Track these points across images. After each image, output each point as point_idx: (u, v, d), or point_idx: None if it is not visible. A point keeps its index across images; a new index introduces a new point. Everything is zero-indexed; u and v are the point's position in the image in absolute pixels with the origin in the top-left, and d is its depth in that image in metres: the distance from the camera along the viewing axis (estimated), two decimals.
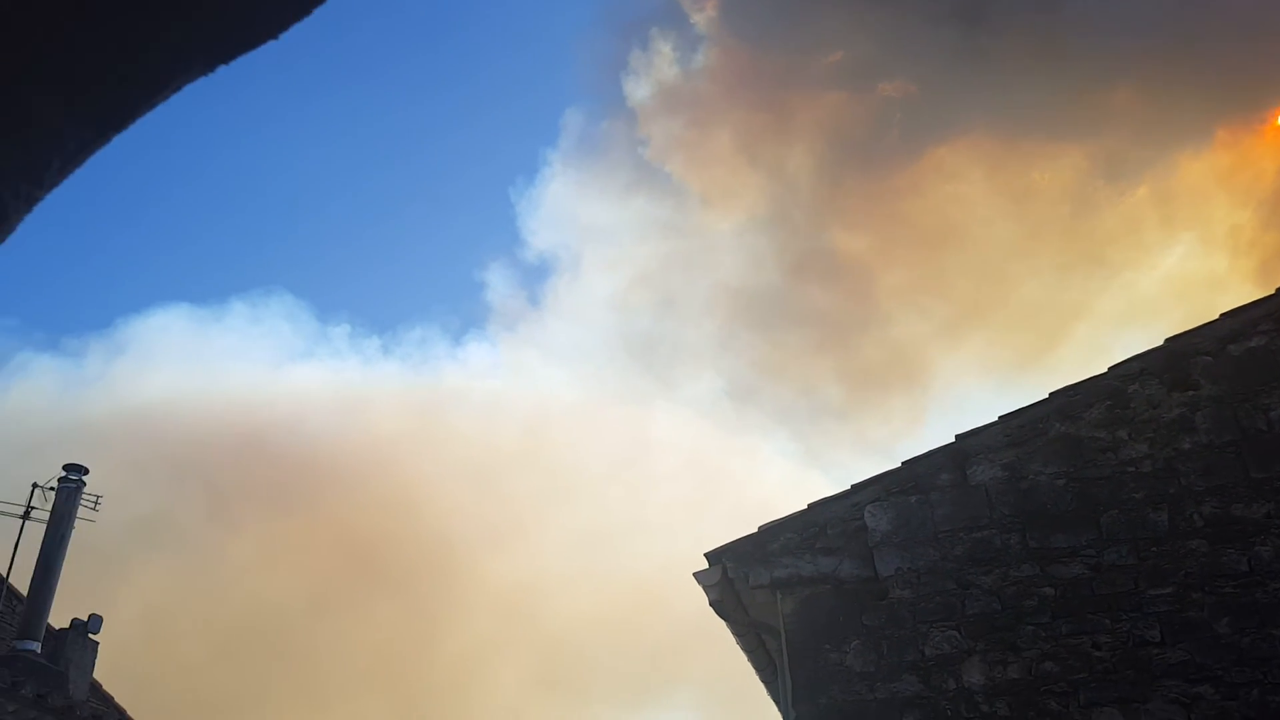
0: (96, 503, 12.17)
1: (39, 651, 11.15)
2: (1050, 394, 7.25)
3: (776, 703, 8.20)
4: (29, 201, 0.77)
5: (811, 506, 7.40)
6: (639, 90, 28.97)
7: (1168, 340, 7.18)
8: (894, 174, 26.21)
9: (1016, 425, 7.21)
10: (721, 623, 7.67)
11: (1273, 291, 7.13)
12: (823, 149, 26.33)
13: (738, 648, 8.32)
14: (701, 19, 27.31)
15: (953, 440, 7.37)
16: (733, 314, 29.28)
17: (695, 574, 7.34)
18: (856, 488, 7.40)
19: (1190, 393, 6.87)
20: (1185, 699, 6.02)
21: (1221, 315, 7.12)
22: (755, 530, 7.40)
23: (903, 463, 7.43)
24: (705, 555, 7.35)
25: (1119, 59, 20.98)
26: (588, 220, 33.95)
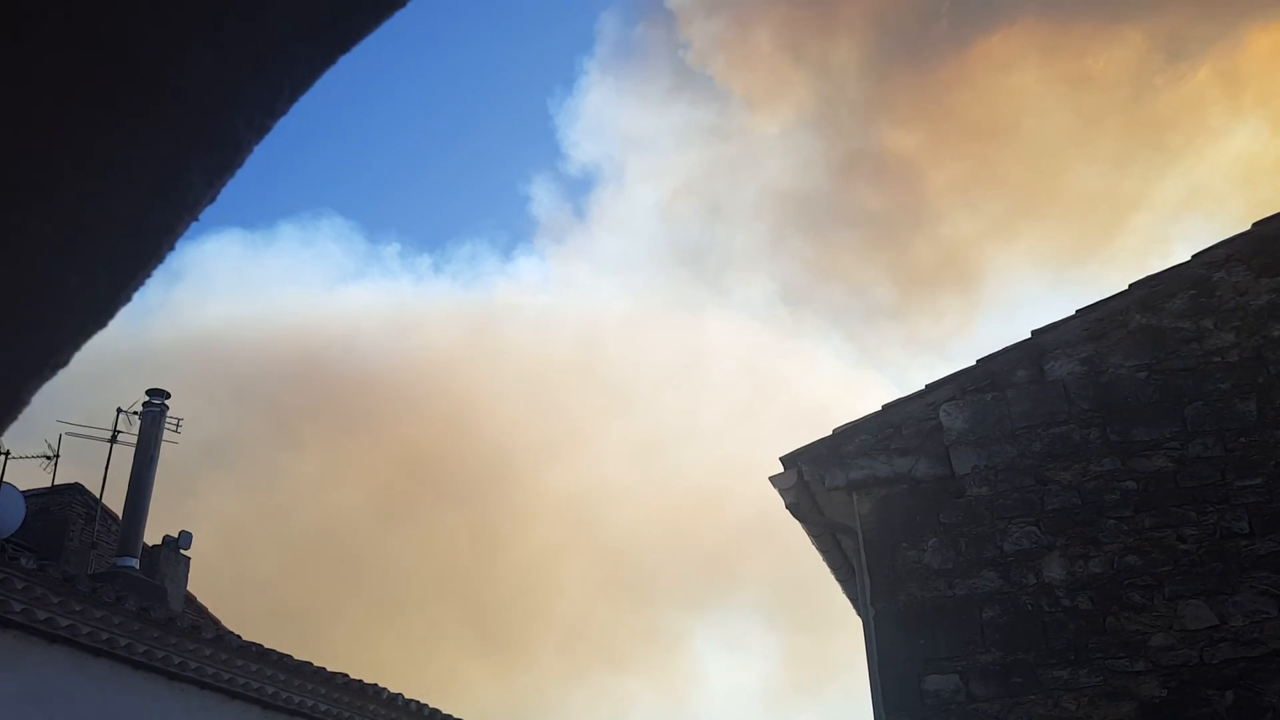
0: (179, 425, 12.54)
1: (137, 568, 11.68)
2: (1130, 285, 7.07)
3: (853, 601, 8.30)
4: (260, 131, 0.73)
5: (886, 407, 7.35)
6: None
7: (1256, 224, 6.93)
8: (943, 66, 25.37)
9: (1095, 318, 7.05)
10: (779, 524, 7.74)
11: None
12: (868, 43, 25.53)
13: (794, 549, 8.39)
14: None
15: (1028, 336, 7.24)
16: (781, 218, 28.87)
17: (771, 477, 7.36)
18: (931, 387, 7.33)
19: None
20: (1276, 590, 5.97)
21: None
22: (830, 433, 7.37)
23: (978, 360, 7.32)
24: (780, 459, 7.36)
25: None
26: (629, 129, 33.39)
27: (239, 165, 0.72)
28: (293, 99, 0.73)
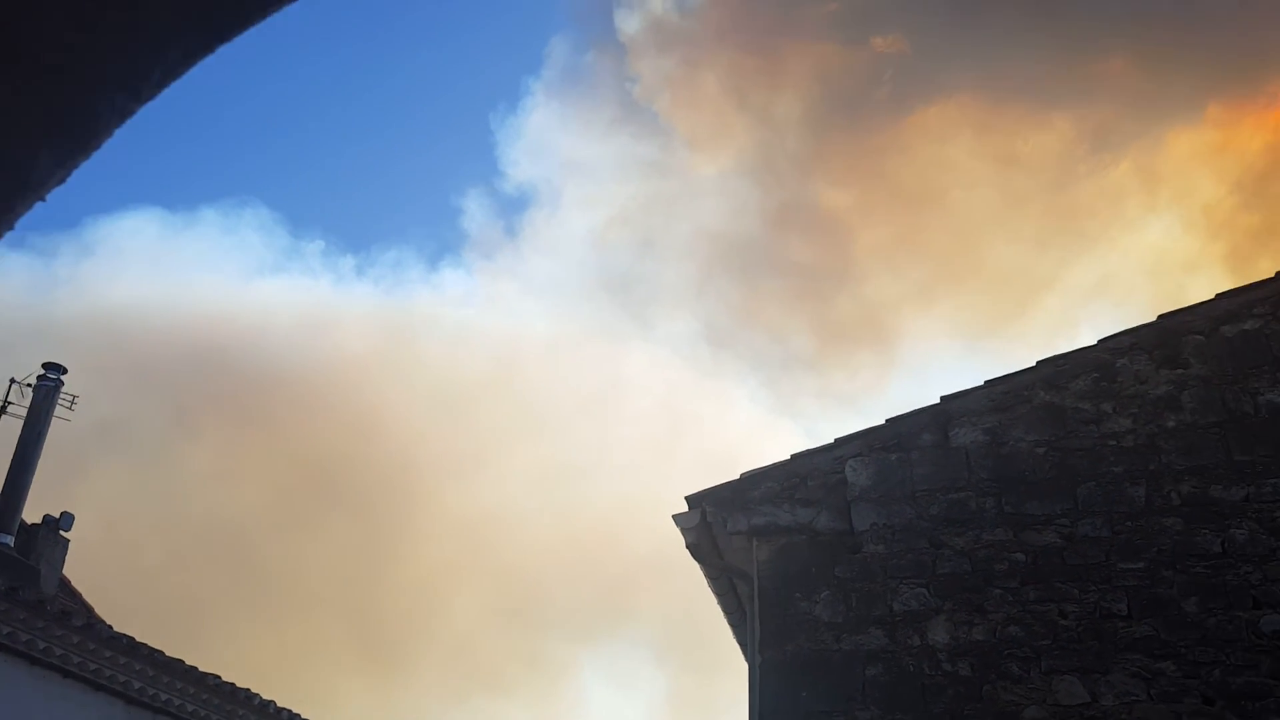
0: (73, 403, 12.04)
1: (12, 545, 11.14)
2: (1038, 362, 7.26)
3: (742, 646, 8.31)
4: (123, 115, 0.68)
5: (794, 457, 7.42)
6: (631, 24, 28.34)
7: (1161, 317, 7.19)
8: (881, 131, 26.00)
9: (1001, 391, 7.23)
10: (677, 563, 7.73)
11: (1271, 275, 7.13)
12: (812, 99, 26.04)
13: (692, 589, 8.40)
14: None
15: (937, 401, 7.38)
16: (711, 259, 29.13)
17: (674, 516, 7.36)
18: (840, 441, 7.42)
19: (1179, 371, 6.90)
20: (1147, 674, 6.14)
21: (1217, 295, 7.12)
22: (737, 477, 7.41)
23: (887, 420, 7.44)
24: (686, 498, 7.36)
25: (1114, 28, 20.81)
26: (569, 154, 33.44)
27: (95, 148, 0.67)
28: (164, 84, 0.68)
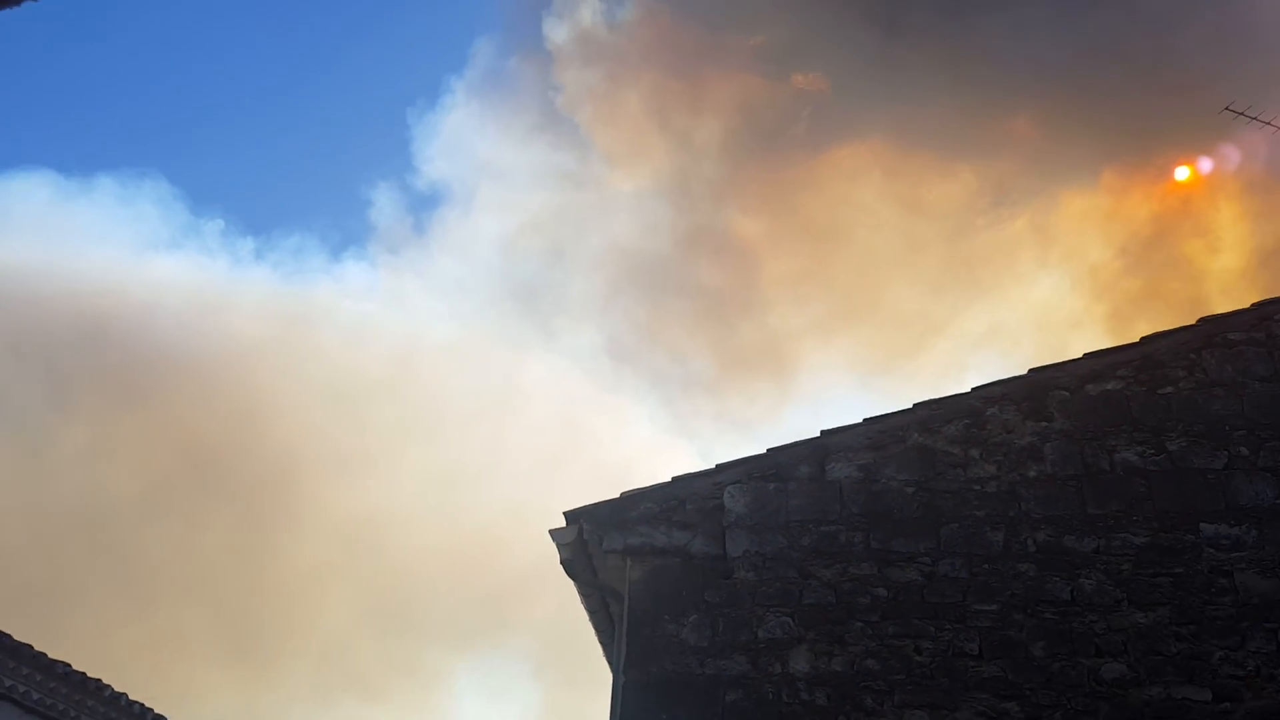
0: None
1: None
2: (914, 405, 7.50)
3: (610, 665, 8.32)
4: None
5: (675, 480, 7.49)
6: (559, 33, 28.35)
7: (1031, 371, 7.51)
8: (795, 165, 26.54)
9: (878, 429, 7.44)
10: (561, 576, 7.71)
11: (1135, 340, 7.53)
12: (731, 128, 26.41)
13: (575, 603, 8.39)
14: None
15: (817, 435, 7.55)
16: (620, 274, 29.19)
17: (551, 531, 7.35)
18: (721, 468, 7.52)
19: (1044, 424, 7.22)
20: (992, 713, 6.38)
21: (1085, 355, 7.48)
22: (617, 496, 7.44)
23: (768, 450, 7.58)
24: (564, 514, 7.36)
25: (1021, 89, 21.69)
26: (486, 157, 33.09)
27: None
28: None
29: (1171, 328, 7.41)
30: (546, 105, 29.21)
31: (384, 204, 40.95)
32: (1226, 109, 9.92)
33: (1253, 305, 7.39)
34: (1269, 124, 9.91)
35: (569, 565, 7.37)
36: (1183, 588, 6.54)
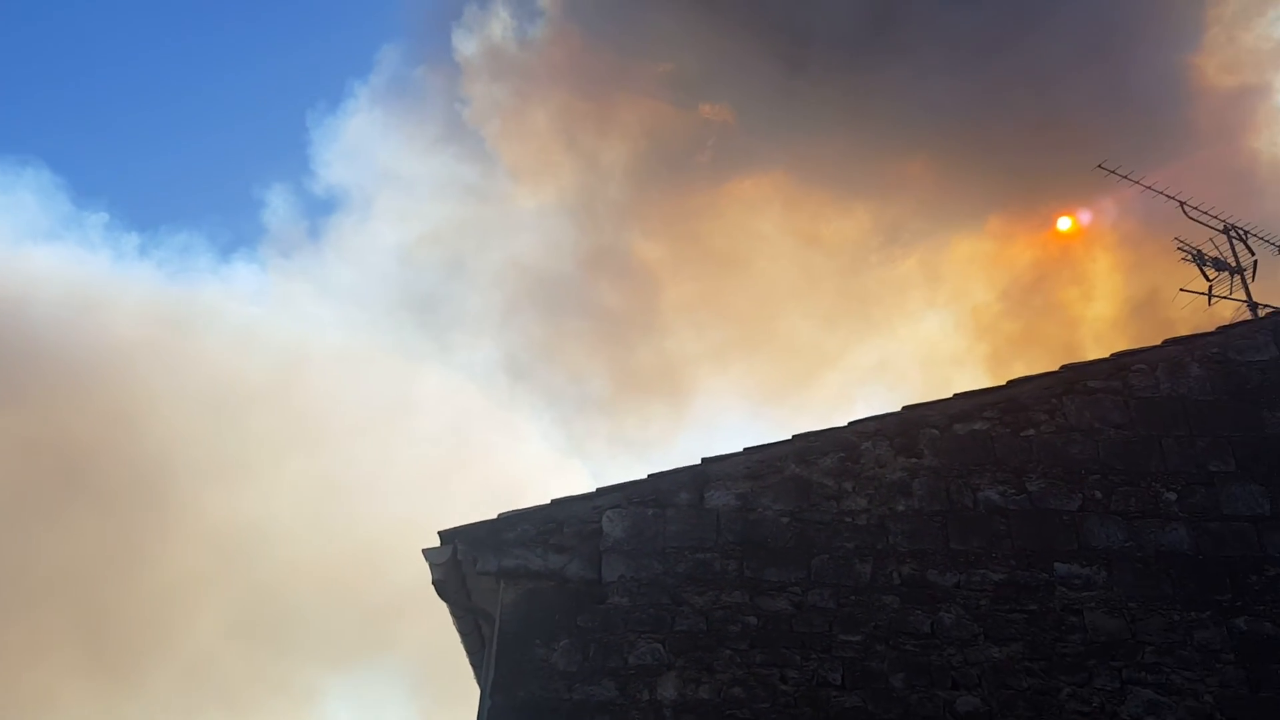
0: None
1: None
2: (793, 436, 7.64)
3: (480, 688, 8.22)
4: None
5: (555, 503, 7.46)
6: (468, 46, 28.17)
7: (905, 408, 7.73)
8: (699, 193, 26.90)
9: (757, 459, 7.55)
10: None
11: (1002, 383, 7.83)
12: (637, 152, 26.62)
13: (450, 623, 8.26)
14: None
15: (698, 462, 7.62)
16: (519, 291, 29.01)
17: (424, 551, 7.23)
18: (601, 492, 7.53)
19: (914, 460, 7.43)
20: None
21: (955, 395, 7.74)
22: (494, 517, 7.37)
23: (649, 475, 7.61)
24: (439, 533, 7.26)
25: (917, 135, 22.43)
26: (387, 165, 32.55)
27: None
28: None
29: (1036, 373, 7.73)
30: (452, 117, 28.95)
31: (278, 206, 39.86)
32: (1100, 166, 10.42)
33: (1111, 355, 7.76)
34: (1137, 182, 10.43)
35: (441, 586, 7.27)
36: (1036, 624, 6.80)
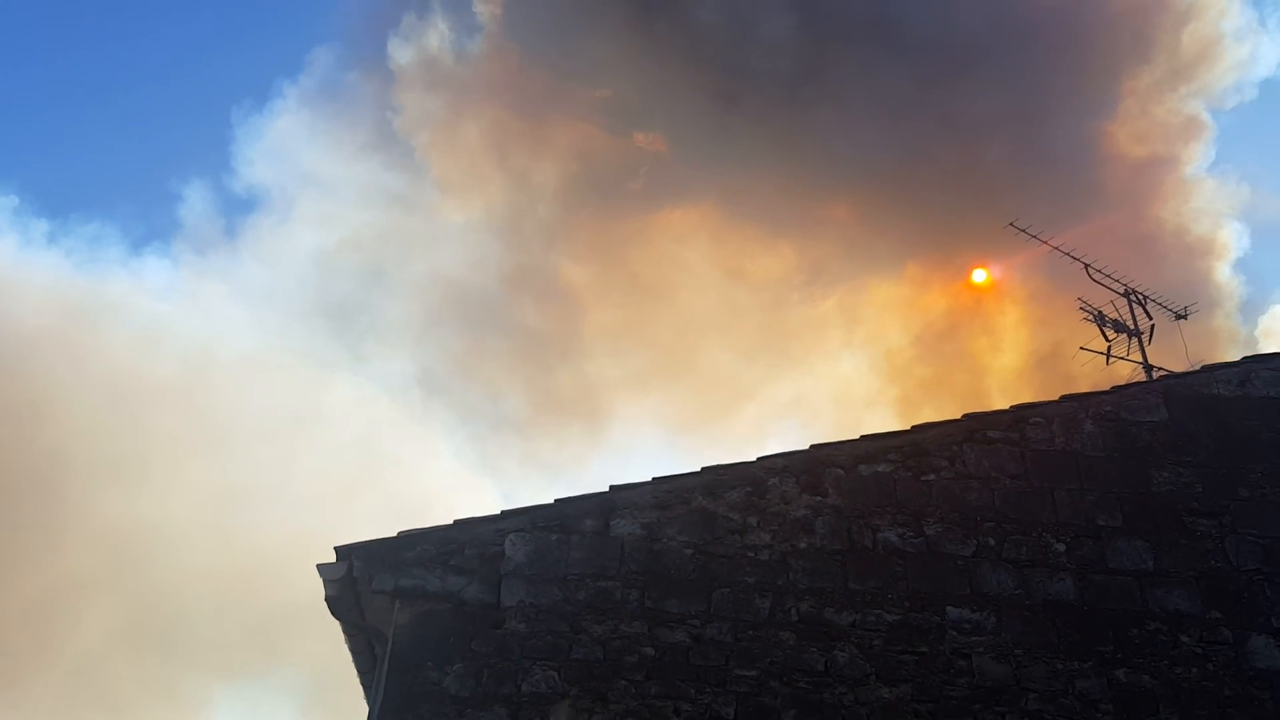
0: None
1: None
2: (702, 468, 7.68)
3: (370, 709, 8.03)
4: None
5: (457, 523, 7.36)
6: (403, 54, 27.92)
7: (813, 446, 7.84)
8: (629, 220, 27.05)
9: (665, 489, 7.57)
10: None
11: (906, 428, 8.00)
12: (570, 175, 26.66)
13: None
14: (485, 10, 26.83)
15: (606, 490, 7.61)
16: (440, 305, 28.71)
17: (319, 566, 7.07)
18: (506, 514, 7.45)
19: (818, 498, 7.53)
20: None
21: (861, 437, 7.88)
22: (395, 534, 7.24)
23: (555, 500, 7.57)
24: (335, 549, 7.10)
25: (844, 180, 22.96)
26: (311, 168, 31.98)
27: None
28: None
29: (940, 420, 7.92)
30: (383, 125, 28.63)
31: (195, 201, 38.78)
32: (1011, 224, 10.80)
33: (1011, 407, 8.00)
34: (1045, 242, 10.84)
35: (334, 603, 7.11)
36: (925, 666, 6.92)
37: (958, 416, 8.00)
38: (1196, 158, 23.91)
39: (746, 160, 23.59)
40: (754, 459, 7.76)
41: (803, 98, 23.24)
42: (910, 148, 21.93)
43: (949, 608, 7.12)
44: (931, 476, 7.60)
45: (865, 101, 22.48)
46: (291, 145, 31.92)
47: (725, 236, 26.10)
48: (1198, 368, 8.57)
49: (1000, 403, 9.32)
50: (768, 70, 22.88)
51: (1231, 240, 23.29)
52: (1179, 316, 11.13)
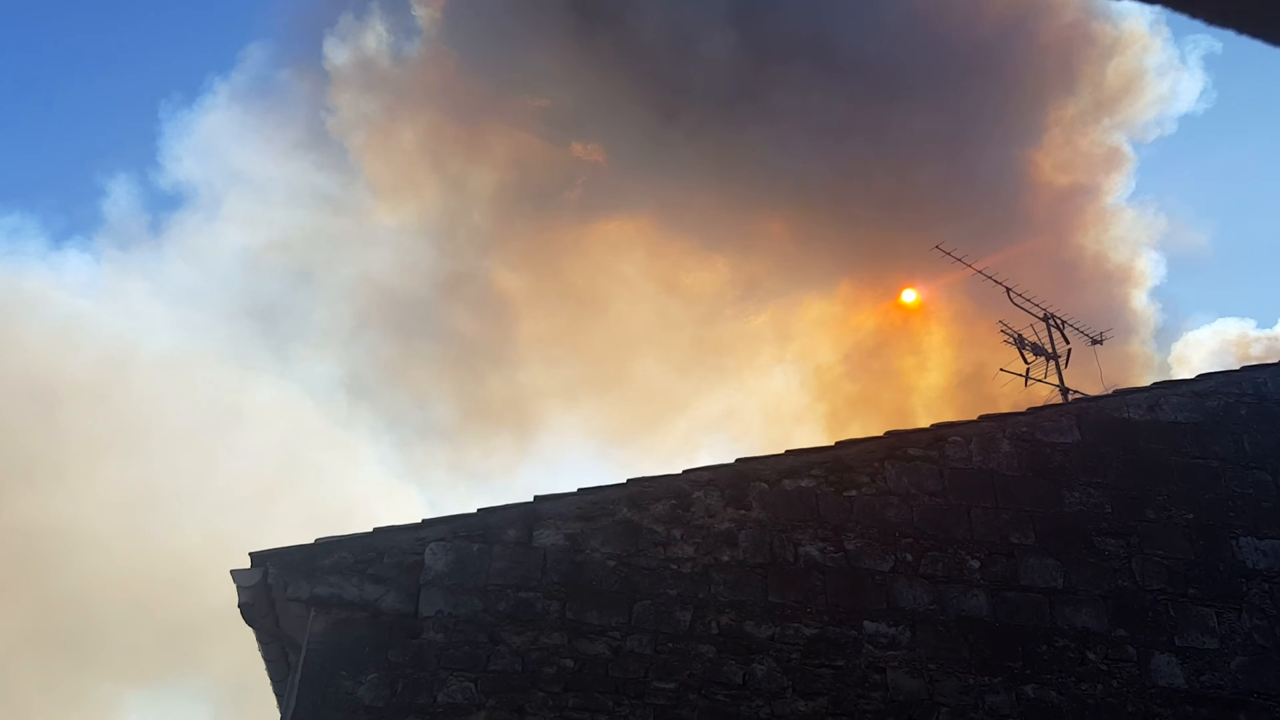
0: None
1: None
2: (627, 480, 7.68)
3: (281, 718, 7.86)
4: None
5: (376, 531, 7.26)
6: (339, 54, 27.55)
7: (738, 460, 7.89)
8: (565, 230, 27.01)
9: (590, 501, 7.55)
10: None
11: (831, 444, 8.10)
12: (506, 183, 26.55)
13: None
14: (424, 14, 26.64)
15: (530, 500, 7.57)
16: (369, 308, 28.30)
17: (233, 572, 6.91)
18: (427, 523, 7.37)
19: (742, 512, 7.58)
20: None
21: (786, 452, 7.95)
22: (312, 541, 7.11)
23: (478, 510, 7.50)
24: (250, 555, 6.95)
25: (779, 197, 23.25)
26: (241, 166, 31.33)
27: None
28: None
29: (862, 437, 8.03)
30: (316, 125, 28.19)
31: (120, 196, 37.79)
32: (937, 247, 11.04)
33: (931, 426, 8.15)
34: (970, 266, 11.09)
35: (248, 610, 6.95)
36: (841, 680, 7.00)
37: (881, 434, 8.12)
38: (1117, 188, 24.74)
39: (684, 174, 23.77)
40: (680, 471, 7.79)
41: (740, 114, 23.50)
42: (844, 168, 22.31)
43: (866, 622, 7.22)
44: (853, 492, 7.71)
45: (801, 121, 22.82)
46: (221, 142, 31.25)
47: (661, 249, 26.23)
48: (1110, 392, 8.83)
49: (925, 420, 9.49)
50: (706, 86, 23.10)
51: (1148, 269, 24.13)
52: (1095, 341, 11.48)
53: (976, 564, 7.54)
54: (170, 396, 28.54)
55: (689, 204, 24.27)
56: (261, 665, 8.07)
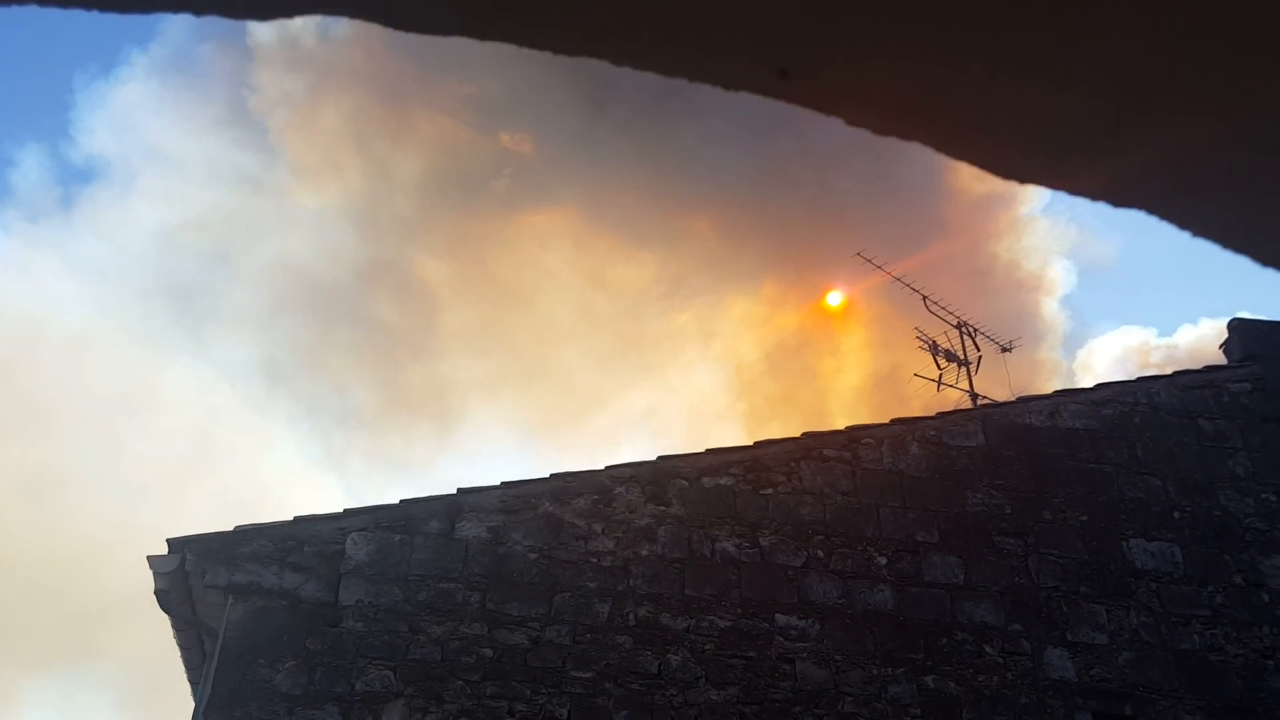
0: None
1: None
2: (550, 475, 7.81)
3: (197, 706, 7.81)
4: None
5: (297, 520, 7.26)
6: (262, 31, 26.97)
7: (659, 458, 8.08)
8: (490, 219, 26.89)
9: (513, 494, 7.66)
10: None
11: (750, 443, 8.34)
12: (431, 169, 26.29)
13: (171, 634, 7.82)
14: None
15: (453, 492, 7.64)
16: (288, 292, 27.78)
17: (149, 558, 6.86)
18: (349, 513, 7.40)
19: (662, 508, 7.77)
20: None
21: (706, 450, 8.17)
22: (231, 529, 7.09)
23: (400, 501, 7.56)
24: (167, 541, 6.90)
25: (706, 195, 23.53)
26: (157, 141, 30.46)
27: None
28: None
29: (780, 437, 8.29)
30: (238, 102, 27.55)
31: (30, 168, 36.46)
32: (858, 254, 11.38)
33: (846, 428, 8.45)
34: (889, 274, 11.46)
35: (164, 596, 6.90)
36: (753, 670, 7.25)
37: (799, 435, 8.39)
38: (1032, 198, 25.59)
39: (611, 168, 23.90)
40: (603, 467, 7.95)
41: (669, 109, 23.71)
42: (769, 169, 22.67)
43: (778, 615, 7.47)
44: (770, 490, 7.95)
45: (727, 119, 23.12)
46: (137, 116, 30.32)
47: (587, 243, 26.30)
48: (1015, 398, 9.25)
49: (841, 421, 9.84)
50: (635, 82, 23.23)
51: (1059, 277, 25.06)
52: (1005, 349, 11.97)
53: (884, 560, 7.85)
54: (79, 376, 27.70)
55: (616, 198, 24.42)
56: (168, 652, 8.01)
